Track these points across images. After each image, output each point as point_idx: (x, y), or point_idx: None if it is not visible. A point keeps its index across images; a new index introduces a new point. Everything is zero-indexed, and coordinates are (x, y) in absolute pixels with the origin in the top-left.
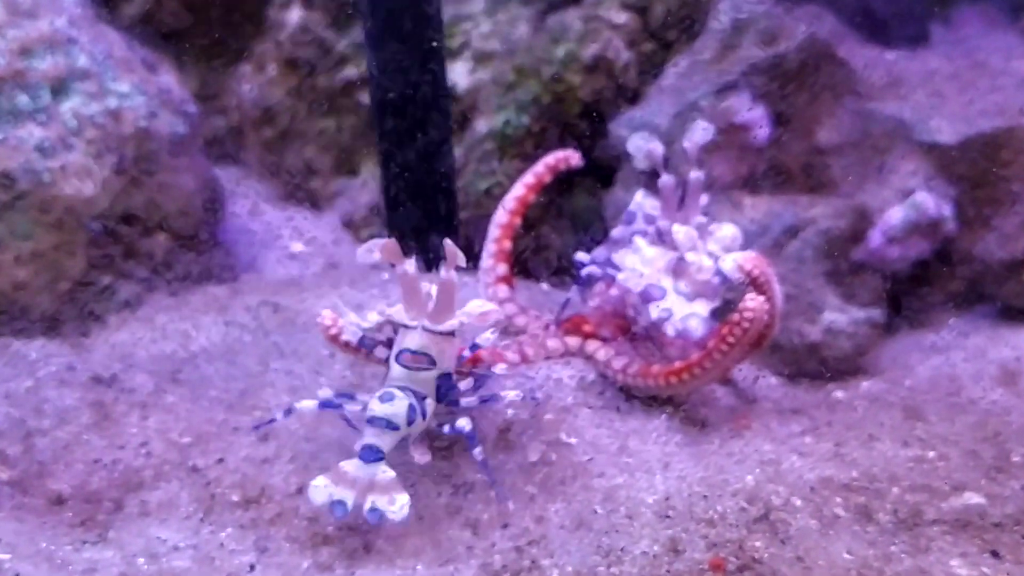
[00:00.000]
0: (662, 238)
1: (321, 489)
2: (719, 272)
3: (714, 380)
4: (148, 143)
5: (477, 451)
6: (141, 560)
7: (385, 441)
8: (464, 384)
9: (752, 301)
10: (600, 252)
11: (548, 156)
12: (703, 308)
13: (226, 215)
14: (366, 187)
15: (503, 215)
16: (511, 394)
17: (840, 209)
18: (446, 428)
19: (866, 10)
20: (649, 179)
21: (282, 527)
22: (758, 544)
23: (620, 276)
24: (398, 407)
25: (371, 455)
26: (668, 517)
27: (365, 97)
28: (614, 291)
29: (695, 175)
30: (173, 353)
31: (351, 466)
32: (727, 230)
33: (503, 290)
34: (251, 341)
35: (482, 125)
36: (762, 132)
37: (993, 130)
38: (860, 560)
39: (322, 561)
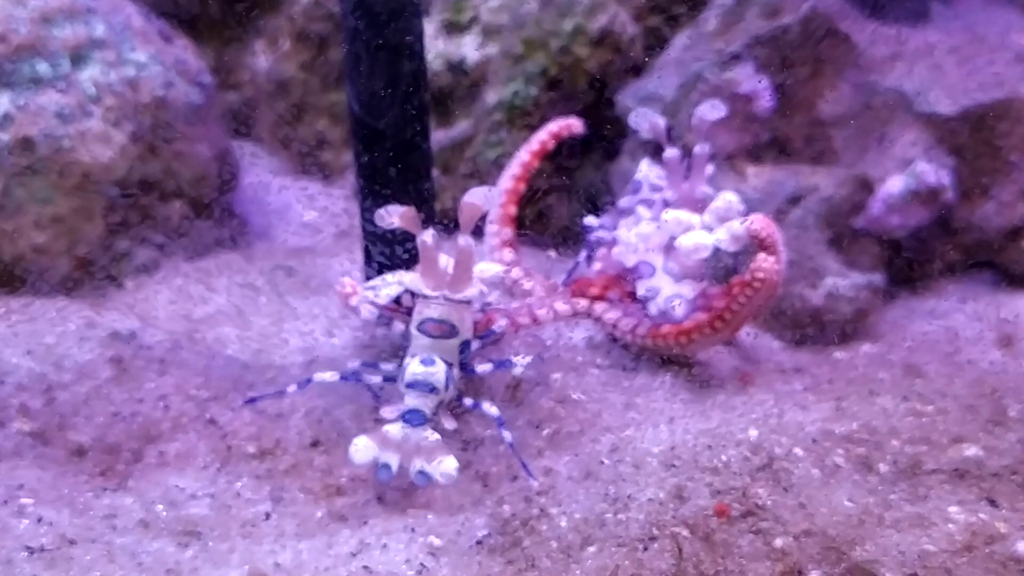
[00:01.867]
0: (667, 208)
1: (364, 450)
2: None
3: (723, 340)
4: (165, 112)
5: (507, 435)
6: (160, 507)
7: (428, 404)
8: (483, 368)
9: (764, 261)
10: (606, 219)
11: (551, 123)
12: (688, 290)
13: (240, 185)
14: None
15: (508, 181)
16: (521, 359)
17: (842, 178)
18: (468, 401)
19: None
20: (655, 150)
21: (297, 478)
22: (761, 491)
23: (615, 250)
24: (439, 370)
25: (416, 418)
26: (673, 466)
27: None
28: (615, 258)
29: (700, 148)
30: (189, 313)
31: (395, 429)
32: (723, 199)
33: (508, 254)
34: (265, 303)
35: (491, 96)
36: (765, 103)
37: (991, 102)
38: (861, 507)
39: (335, 510)
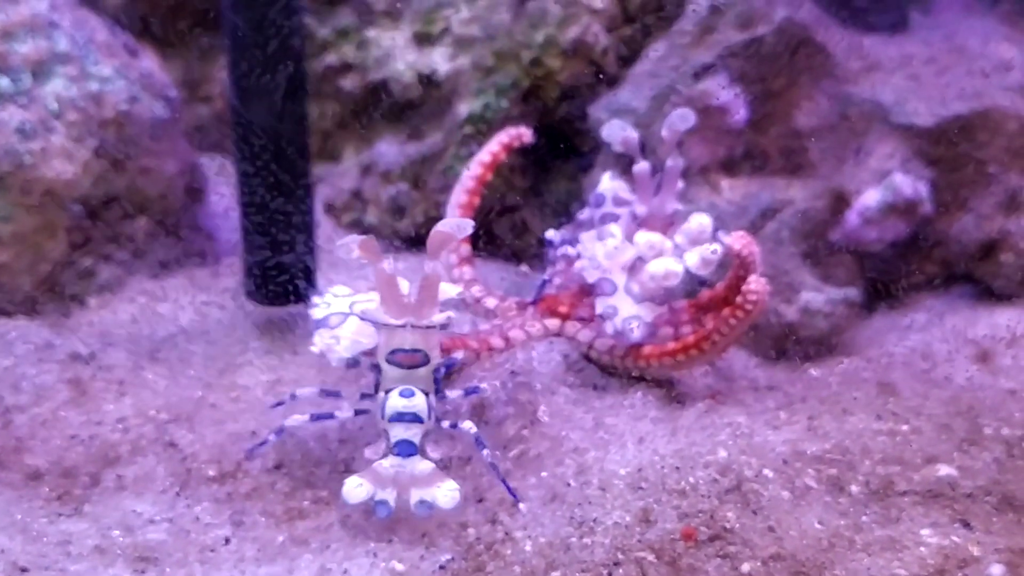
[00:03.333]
0: (637, 224)
1: (358, 490)
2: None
3: (709, 362)
4: (129, 127)
5: (486, 454)
6: (116, 532)
7: (415, 435)
8: (455, 395)
9: (756, 284)
10: (565, 233)
11: (501, 134)
12: (647, 313)
13: (209, 200)
14: (348, 173)
15: (462, 196)
16: (487, 386)
17: (817, 191)
18: (445, 424)
19: None
20: (629, 163)
21: (258, 501)
22: (729, 514)
23: (578, 264)
24: (419, 400)
25: (407, 449)
26: (640, 489)
27: (347, 83)
28: (574, 273)
29: (672, 162)
30: (152, 333)
31: (387, 464)
32: (696, 221)
33: (467, 271)
34: (230, 322)
35: (462, 109)
36: (739, 115)
37: (969, 112)
38: (831, 530)
39: (297, 535)
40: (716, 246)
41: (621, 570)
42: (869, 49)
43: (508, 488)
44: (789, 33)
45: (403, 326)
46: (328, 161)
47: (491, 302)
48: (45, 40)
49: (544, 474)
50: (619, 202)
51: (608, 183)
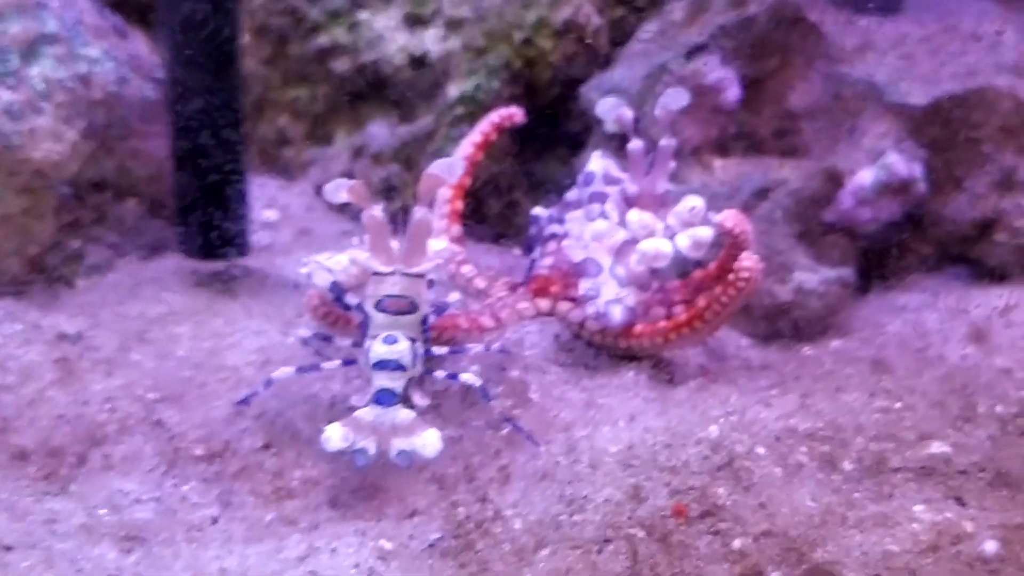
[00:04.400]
0: (629, 203)
1: (337, 437)
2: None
3: (701, 341)
4: (118, 108)
5: (495, 404)
6: (102, 511)
7: (397, 383)
8: (440, 351)
9: (748, 260)
10: (554, 212)
11: (492, 114)
12: (631, 297)
13: None
14: (339, 156)
15: None
16: (468, 377)
17: (811, 171)
18: (440, 374)
19: None
20: (621, 143)
21: (246, 481)
22: (721, 491)
23: (565, 243)
24: (402, 347)
25: (387, 398)
26: (631, 466)
27: (338, 65)
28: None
29: (665, 142)
30: (141, 313)
31: (368, 413)
32: (687, 203)
33: (458, 251)
34: (220, 302)
35: (453, 90)
36: (731, 94)
37: (963, 91)
38: (823, 506)
39: (286, 515)
40: (708, 229)
41: (611, 547)
42: (863, 29)
43: (524, 432)
44: (782, 12)
45: (392, 273)
46: (320, 143)
47: (482, 282)
48: (33, 21)
49: (535, 453)
50: (609, 181)
51: (598, 162)
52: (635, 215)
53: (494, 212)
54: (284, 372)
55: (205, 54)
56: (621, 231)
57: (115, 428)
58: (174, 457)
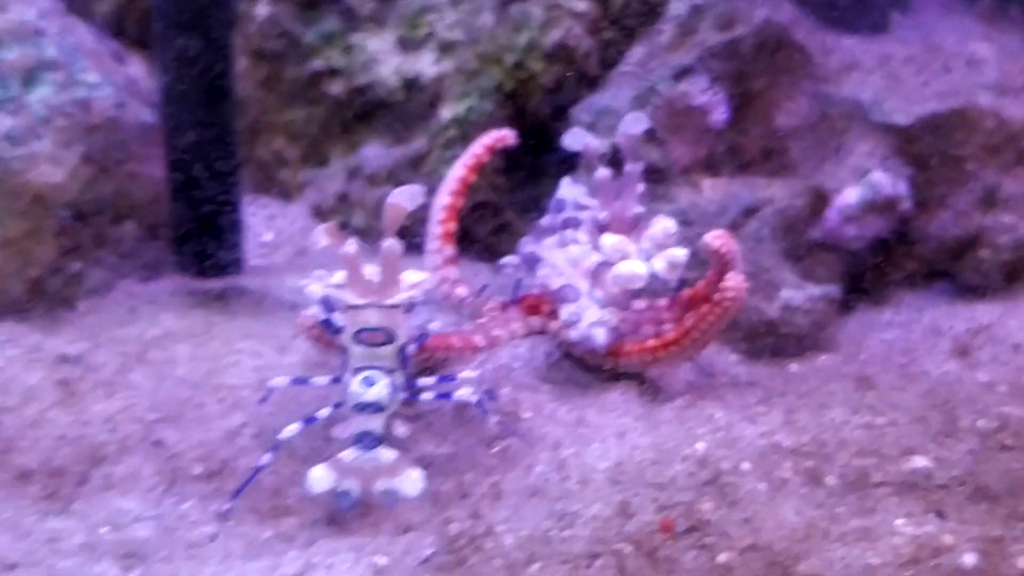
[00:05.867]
0: (601, 229)
1: (321, 479)
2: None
3: (689, 359)
4: (117, 132)
5: (492, 419)
6: (103, 530)
7: (377, 424)
8: (427, 382)
9: (733, 280)
10: (527, 240)
11: (484, 136)
12: (612, 317)
13: None
14: (335, 177)
15: (446, 197)
16: (463, 393)
17: (797, 189)
18: (429, 396)
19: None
20: (608, 165)
21: (244, 499)
22: (706, 507)
23: (540, 272)
24: (381, 388)
25: (368, 441)
26: (619, 482)
27: (333, 88)
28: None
29: (631, 166)
30: (140, 335)
31: (350, 455)
32: (660, 226)
33: (452, 272)
34: (218, 323)
35: (446, 112)
36: (719, 115)
37: (947, 110)
38: (807, 521)
39: (284, 531)
40: (682, 250)
41: (600, 562)
42: (848, 49)
43: (521, 438)
44: (768, 34)
45: (367, 305)
46: (315, 165)
47: (474, 302)
48: (33, 47)
49: (525, 470)
50: (580, 207)
51: (568, 189)
52: (609, 239)
53: (486, 233)
54: (279, 381)
55: (198, 88)
56: (595, 254)
57: (115, 448)
58: (173, 476)
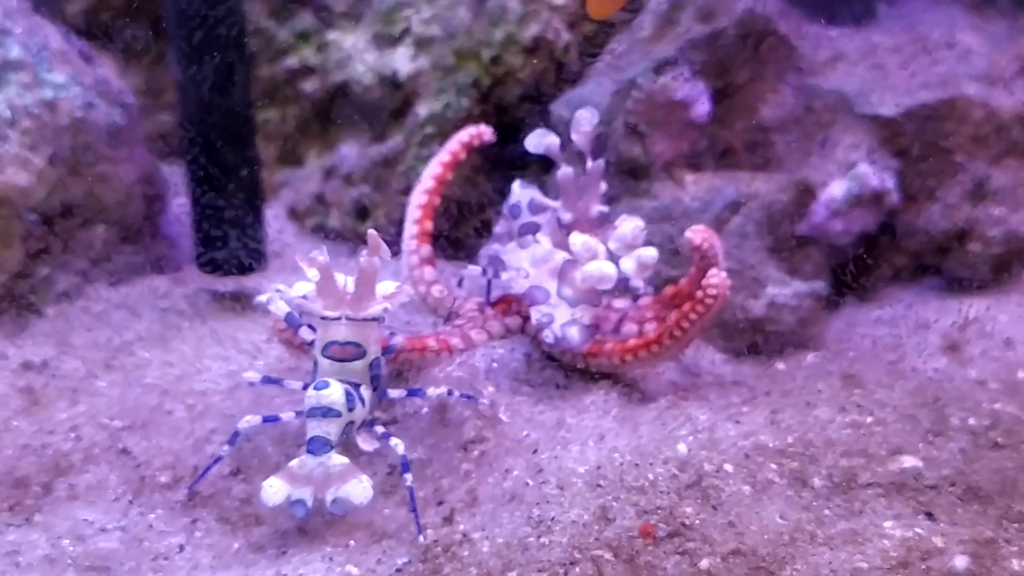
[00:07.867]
0: (566, 229)
1: (275, 491)
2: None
3: (671, 357)
4: (85, 134)
5: (408, 478)
6: (66, 542)
7: (330, 430)
8: (397, 394)
9: (715, 277)
10: (486, 248)
11: (460, 132)
12: (586, 315)
13: (170, 207)
14: (311, 177)
15: (422, 196)
16: (436, 390)
17: (782, 184)
18: (379, 430)
19: None
20: (596, 158)
21: (213, 508)
22: (688, 510)
23: (504, 275)
24: (334, 392)
25: (318, 446)
26: (599, 486)
27: (308, 86)
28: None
29: (594, 165)
30: (108, 340)
31: (301, 463)
32: (627, 226)
33: (429, 272)
34: (188, 327)
35: (423, 109)
36: (701, 108)
37: (935, 101)
38: (793, 524)
39: (253, 541)
40: (652, 250)
41: (578, 569)
42: (833, 40)
43: (417, 521)
44: (751, 25)
45: (338, 318)
46: (291, 165)
47: (451, 302)
48: None
49: (503, 475)
50: (535, 209)
51: (519, 191)
52: (577, 238)
53: (464, 231)
54: (250, 421)
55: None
56: (560, 252)
57: (80, 457)
58: (140, 485)
